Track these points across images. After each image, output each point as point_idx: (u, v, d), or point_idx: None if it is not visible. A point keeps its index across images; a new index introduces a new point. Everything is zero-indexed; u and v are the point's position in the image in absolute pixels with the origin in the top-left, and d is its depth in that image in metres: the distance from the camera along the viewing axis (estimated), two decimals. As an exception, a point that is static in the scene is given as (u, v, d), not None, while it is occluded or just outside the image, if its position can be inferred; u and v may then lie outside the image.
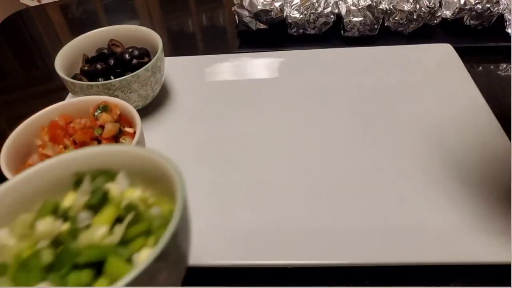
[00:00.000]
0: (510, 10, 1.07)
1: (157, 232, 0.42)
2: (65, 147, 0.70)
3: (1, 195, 0.45)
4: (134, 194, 0.47)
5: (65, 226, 0.44)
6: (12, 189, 0.46)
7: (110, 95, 0.85)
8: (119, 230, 0.42)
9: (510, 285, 0.59)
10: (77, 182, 0.48)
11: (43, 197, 0.48)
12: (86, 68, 0.94)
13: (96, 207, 0.44)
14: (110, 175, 0.48)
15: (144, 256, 0.40)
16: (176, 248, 0.39)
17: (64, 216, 0.45)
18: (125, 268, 0.38)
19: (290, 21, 1.15)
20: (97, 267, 0.39)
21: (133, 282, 0.33)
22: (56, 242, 0.42)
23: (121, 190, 0.47)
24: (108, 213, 0.43)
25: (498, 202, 0.69)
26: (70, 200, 0.46)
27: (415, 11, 1.10)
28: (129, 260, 0.40)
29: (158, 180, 0.47)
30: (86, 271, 0.38)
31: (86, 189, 0.47)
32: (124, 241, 0.41)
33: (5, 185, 0.46)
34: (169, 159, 0.45)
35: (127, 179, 0.48)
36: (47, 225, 0.43)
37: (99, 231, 0.41)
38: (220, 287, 0.65)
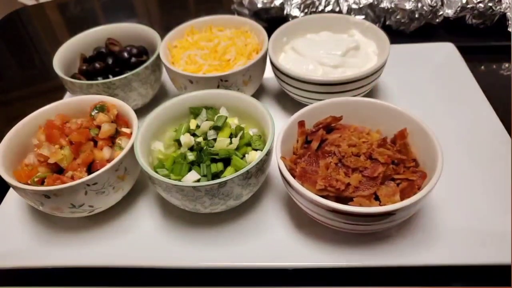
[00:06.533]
0: (513, 8, 1.06)
1: (255, 143, 0.70)
2: (61, 147, 0.69)
3: (155, 116, 0.74)
4: (234, 121, 0.75)
5: (199, 139, 0.71)
6: (159, 114, 0.74)
7: (110, 94, 0.84)
8: (235, 141, 0.69)
9: (510, 285, 0.59)
10: (195, 114, 0.77)
11: (174, 122, 0.77)
12: (84, 67, 0.94)
13: (218, 128, 0.72)
14: (214, 109, 0.77)
15: (251, 157, 0.67)
16: (270, 152, 0.67)
17: (193, 133, 0.73)
18: (242, 162, 0.66)
19: (290, 19, 1.14)
20: (225, 162, 0.67)
21: (251, 169, 0.62)
22: (192, 148, 0.71)
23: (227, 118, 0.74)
24: (227, 131, 0.71)
25: (499, 202, 0.68)
26: (194, 124, 0.74)
27: (416, 10, 1.09)
28: (242, 158, 0.67)
29: (248, 113, 0.75)
30: (220, 163, 0.67)
31: (203, 117, 0.75)
32: (237, 148, 0.69)
33: (155, 111, 0.74)
34: (258, 101, 0.74)
35: (227, 112, 0.76)
36: (187, 139, 0.70)
37: (225, 141, 0.69)
38: (220, 287, 0.65)
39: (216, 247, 0.67)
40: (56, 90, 1.04)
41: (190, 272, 0.66)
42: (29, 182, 0.67)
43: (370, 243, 0.65)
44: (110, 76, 0.91)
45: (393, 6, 1.10)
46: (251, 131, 0.74)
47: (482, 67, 1.04)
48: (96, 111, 0.74)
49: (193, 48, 0.93)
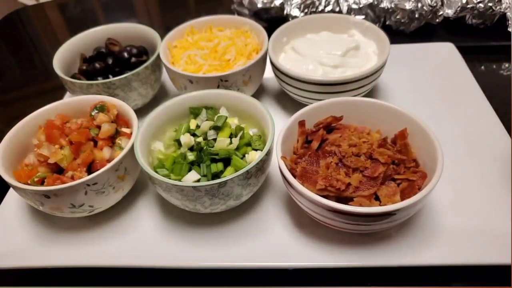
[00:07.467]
0: (513, 8, 1.06)
1: (255, 143, 0.70)
2: (61, 147, 0.69)
3: (155, 116, 0.74)
4: (234, 121, 0.75)
5: (199, 139, 0.71)
6: (159, 114, 0.74)
7: (110, 94, 0.84)
8: (235, 141, 0.69)
9: (510, 285, 0.59)
10: (195, 114, 0.77)
11: (174, 122, 0.77)
12: (84, 67, 0.93)
13: (218, 128, 0.72)
14: (214, 109, 0.77)
15: (251, 157, 0.67)
16: (270, 152, 0.67)
17: (193, 133, 0.73)
18: (242, 162, 0.66)
19: (290, 19, 1.14)
20: (225, 162, 0.67)
21: (251, 169, 0.62)
22: (192, 148, 0.71)
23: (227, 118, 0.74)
24: (227, 131, 0.72)
25: (499, 202, 0.68)
26: (194, 124, 0.74)
27: (416, 10, 1.09)
28: (242, 158, 0.67)
29: (248, 113, 0.75)
30: (220, 163, 0.67)
31: (203, 117, 0.75)
32: (237, 148, 0.69)
33: (155, 111, 0.74)
34: (258, 101, 0.74)
35: (227, 112, 0.77)
36: (187, 139, 0.70)
37: (225, 141, 0.69)
38: (220, 287, 0.65)
39: (216, 247, 0.67)
40: (56, 90, 1.04)
41: (190, 272, 0.66)
42: (29, 182, 0.67)
43: (370, 243, 0.65)
44: (110, 76, 0.91)
45: (393, 6, 1.10)
46: (251, 131, 0.74)
47: (482, 67, 1.04)
48: (96, 111, 0.74)
49: (193, 48, 0.93)
